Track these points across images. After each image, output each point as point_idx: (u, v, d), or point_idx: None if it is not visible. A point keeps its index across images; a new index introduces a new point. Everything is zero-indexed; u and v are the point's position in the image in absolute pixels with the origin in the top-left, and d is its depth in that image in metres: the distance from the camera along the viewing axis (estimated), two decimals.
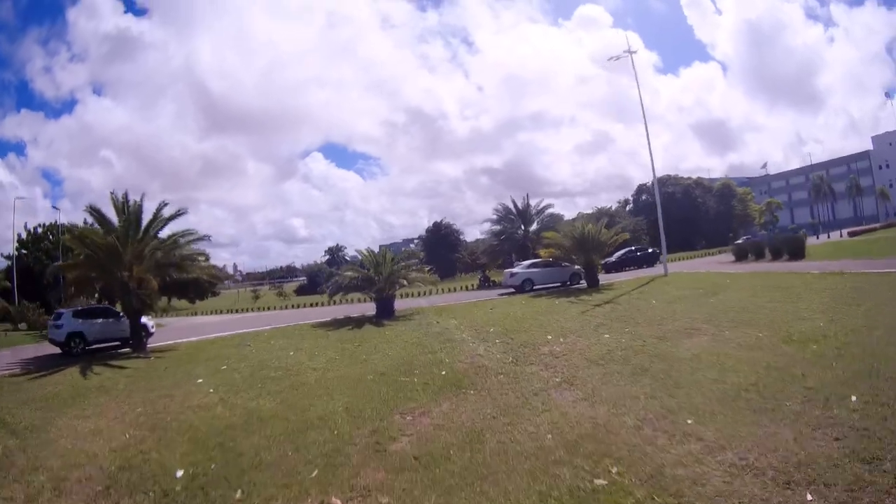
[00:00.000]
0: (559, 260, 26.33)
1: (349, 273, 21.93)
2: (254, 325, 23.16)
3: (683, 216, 67.11)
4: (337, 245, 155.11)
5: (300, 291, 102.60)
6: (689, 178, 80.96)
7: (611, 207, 75.85)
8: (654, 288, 21.43)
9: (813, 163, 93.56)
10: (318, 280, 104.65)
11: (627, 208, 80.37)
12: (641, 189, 79.34)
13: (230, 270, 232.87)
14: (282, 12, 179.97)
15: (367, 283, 21.45)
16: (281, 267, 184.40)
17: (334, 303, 30.63)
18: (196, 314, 43.19)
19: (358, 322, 19.47)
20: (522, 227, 34.21)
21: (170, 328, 26.56)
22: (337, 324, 19.73)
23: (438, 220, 63.80)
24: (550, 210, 34.95)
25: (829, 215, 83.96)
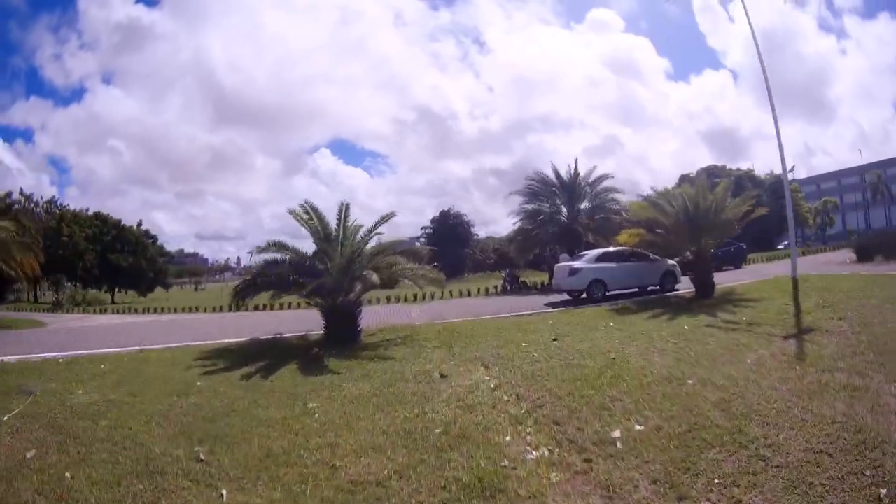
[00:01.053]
0: (646, 250, 15.84)
1: (271, 256, 11.35)
2: (85, 342, 12.67)
3: None
4: None
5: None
6: (738, 169, 70.18)
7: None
8: (839, 300, 11.08)
9: (865, 162, 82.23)
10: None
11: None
12: (684, 178, 68.52)
13: (233, 263, 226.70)
14: (293, 7, 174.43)
15: (303, 273, 11.01)
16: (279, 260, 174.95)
17: (283, 307, 20.32)
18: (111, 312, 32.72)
19: (269, 361, 9.04)
20: (567, 205, 23.63)
21: None
22: (222, 358, 9.38)
23: (446, 210, 53.30)
24: (608, 181, 24.24)
25: (885, 220, 73.12)
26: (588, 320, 11.78)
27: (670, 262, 16.58)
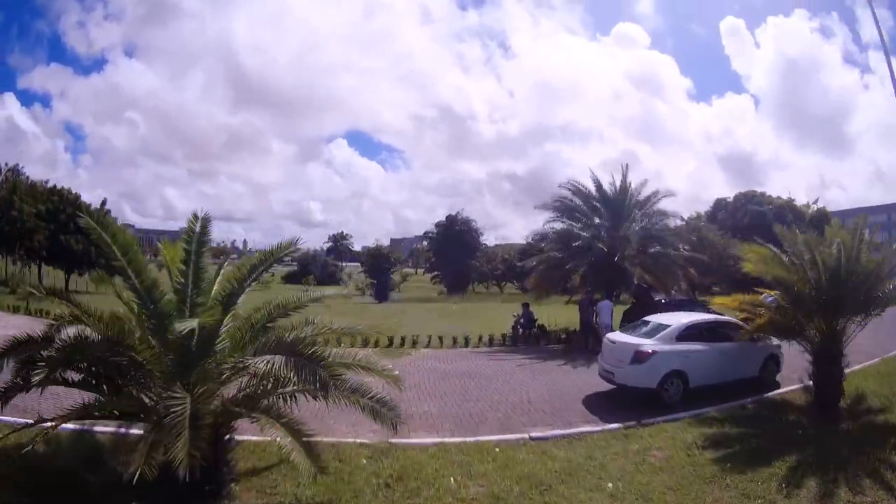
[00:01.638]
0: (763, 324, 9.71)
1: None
2: None
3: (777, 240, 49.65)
4: (341, 233, 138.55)
5: (289, 279, 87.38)
6: (779, 198, 62.42)
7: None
8: None
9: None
10: (309, 269, 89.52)
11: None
12: (720, 204, 61.76)
13: (239, 246, 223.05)
14: None
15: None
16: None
17: None
18: None
19: None
20: (610, 229, 17.40)
21: None
22: None
23: (453, 214, 47.38)
24: (661, 202, 18.04)
25: None
26: (679, 480, 5.84)
27: (774, 342, 10.54)
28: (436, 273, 46.96)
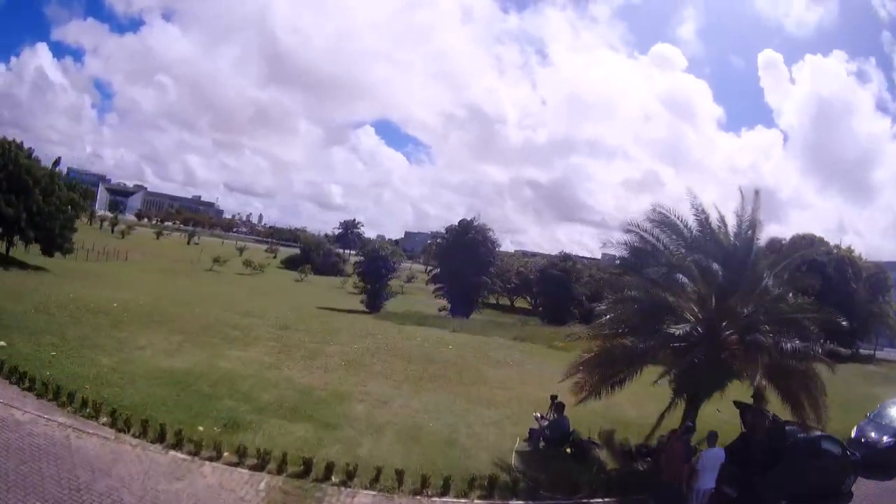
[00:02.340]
0: None
1: None
2: None
3: (838, 301, 38.21)
4: (353, 220, 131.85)
5: (289, 264, 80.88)
6: (836, 247, 50.73)
7: None
8: None
9: None
10: (311, 257, 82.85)
11: None
12: (774, 245, 51.58)
13: (254, 220, 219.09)
14: None
15: None
16: (292, 228, 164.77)
17: None
18: None
19: None
20: (719, 295, 9.99)
21: None
22: None
23: (469, 219, 40.12)
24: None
25: None
26: None
27: None
28: (439, 286, 39.83)
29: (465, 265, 38.35)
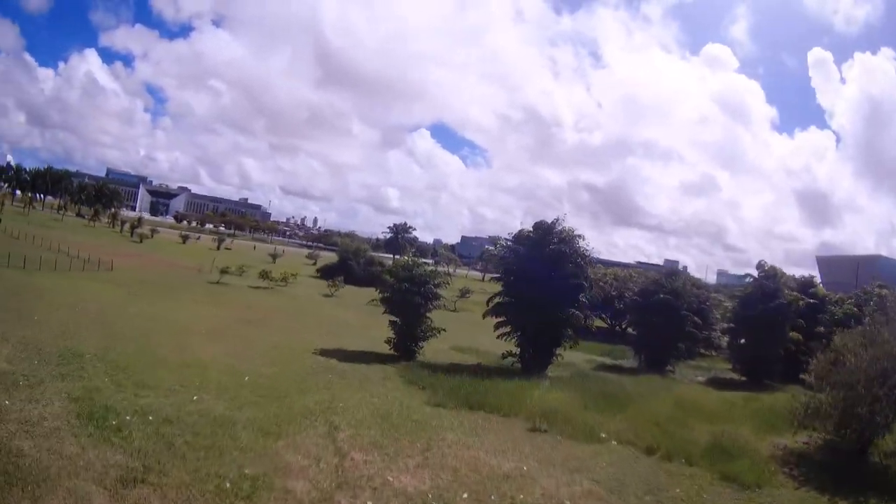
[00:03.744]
0: None
1: None
2: None
3: None
4: (404, 224, 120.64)
5: (325, 273, 70.35)
6: None
7: None
8: None
9: None
10: (349, 265, 72.03)
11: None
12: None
13: (309, 224, 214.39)
14: None
15: None
16: (341, 232, 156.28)
17: None
18: None
19: None
20: None
21: None
22: None
23: (549, 222, 26.39)
24: None
25: None
26: None
27: None
28: (502, 319, 26.67)
29: (543, 290, 24.89)
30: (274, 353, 21.75)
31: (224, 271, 44.30)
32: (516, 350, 26.43)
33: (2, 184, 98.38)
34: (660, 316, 34.32)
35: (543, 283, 24.82)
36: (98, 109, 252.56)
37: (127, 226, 73.89)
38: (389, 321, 25.64)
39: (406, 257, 27.93)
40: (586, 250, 27.15)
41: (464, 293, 59.85)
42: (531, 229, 27.04)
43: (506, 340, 26.67)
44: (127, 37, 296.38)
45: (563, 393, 19.60)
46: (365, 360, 22.81)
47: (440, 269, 28.44)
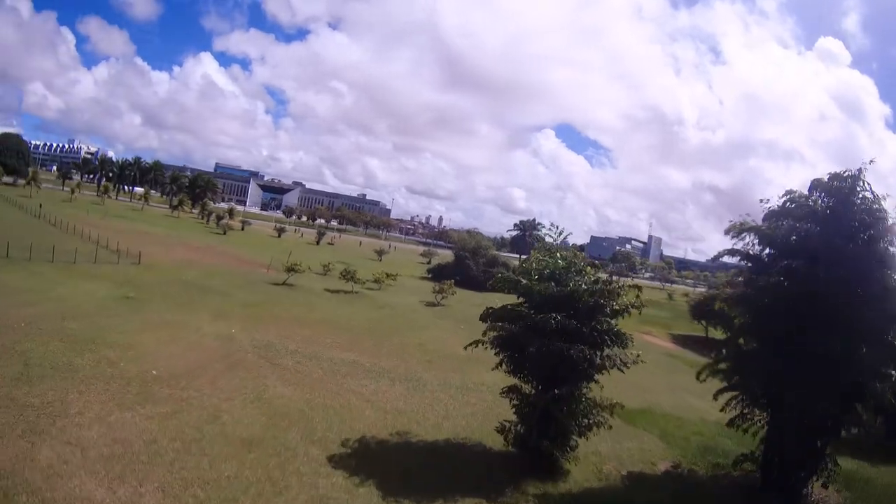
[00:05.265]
0: None
1: None
2: None
3: None
4: (532, 220, 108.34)
5: (437, 273, 61.00)
6: None
7: None
8: None
9: None
10: (465, 265, 61.58)
11: None
12: None
13: (433, 223, 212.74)
14: None
15: None
16: (465, 230, 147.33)
17: None
18: None
19: None
20: None
21: None
22: None
23: (842, 175, 12.15)
24: None
25: None
26: None
27: None
28: (734, 378, 13.29)
29: (837, 321, 11.23)
30: (244, 454, 11.18)
31: (292, 269, 35.27)
32: (749, 443, 13.02)
33: (85, 175, 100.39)
34: None
35: (841, 304, 11.32)
36: (217, 111, 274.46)
37: (213, 217, 71.40)
38: (509, 388, 14.04)
39: (555, 253, 13.55)
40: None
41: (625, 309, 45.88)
42: (814, 192, 13.19)
43: (720, 404, 13.56)
44: (242, 41, 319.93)
45: None
46: (447, 482, 11.51)
47: (615, 278, 14.92)
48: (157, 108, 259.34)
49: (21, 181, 73.25)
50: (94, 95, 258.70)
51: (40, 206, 53.34)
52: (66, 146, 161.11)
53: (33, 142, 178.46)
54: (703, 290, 79.58)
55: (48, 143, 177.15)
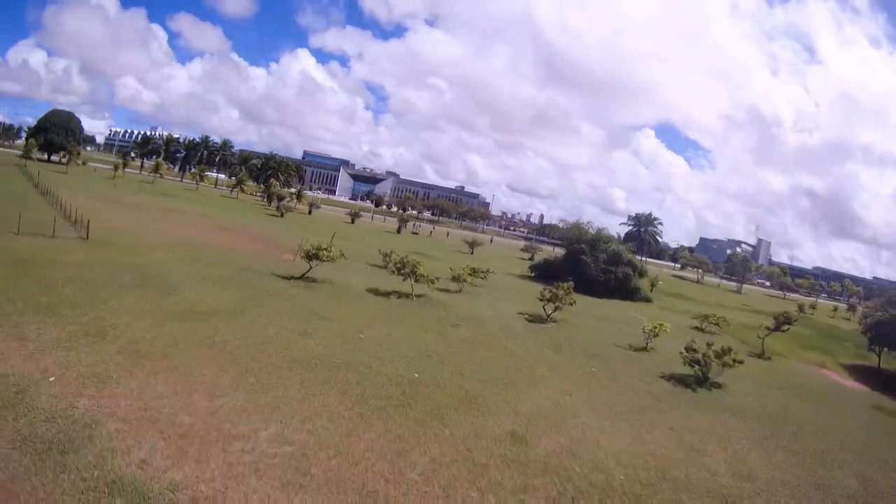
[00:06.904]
0: None
1: None
2: None
3: None
4: (648, 214, 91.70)
5: (541, 272, 45.97)
6: None
7: None
8: None
9: None
10: (581, 262, 45.35)
11: None
12: None
13: (534, 221, 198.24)
14: None
15: None
16: (568, 222, 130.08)
17: None
18: None
19: None
20: None
21: None
22: None
23: None
24: None
25: None
26: None
27: None
28: None
29: None
30: None
31: (315, 256, 22.26)
32: None
33: (144, 156, 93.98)
34: None
35: None
36: (316, 106, 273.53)
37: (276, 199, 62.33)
38: None
39: None
40: None
41: (780, 324, 28.16)
42: None
43: None
44: (339, 37, 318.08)
45: None
46: None
47: None
48: (255, 103, 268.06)
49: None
50: (190, 90, 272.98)
51: (38, 173, 46.68)
52: (149, 132, 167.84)
53: (114, 129, 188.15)
54: (857, 303, 64.91)
55: (129, 131, 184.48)
